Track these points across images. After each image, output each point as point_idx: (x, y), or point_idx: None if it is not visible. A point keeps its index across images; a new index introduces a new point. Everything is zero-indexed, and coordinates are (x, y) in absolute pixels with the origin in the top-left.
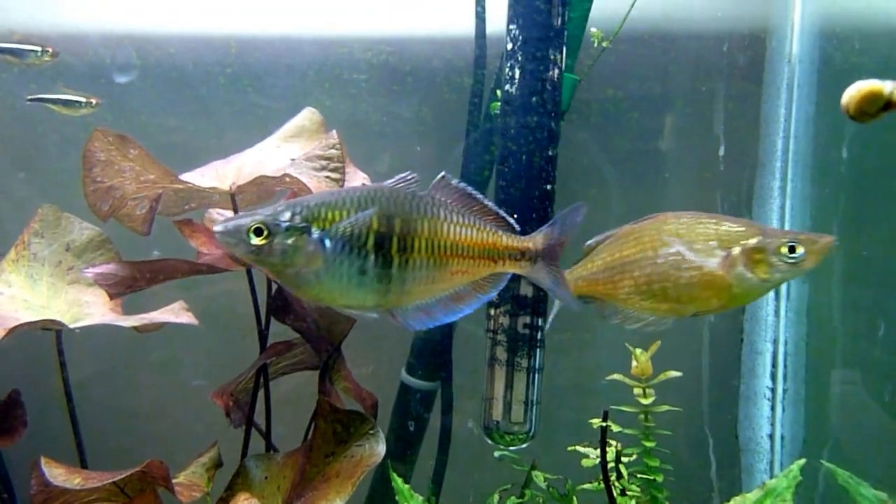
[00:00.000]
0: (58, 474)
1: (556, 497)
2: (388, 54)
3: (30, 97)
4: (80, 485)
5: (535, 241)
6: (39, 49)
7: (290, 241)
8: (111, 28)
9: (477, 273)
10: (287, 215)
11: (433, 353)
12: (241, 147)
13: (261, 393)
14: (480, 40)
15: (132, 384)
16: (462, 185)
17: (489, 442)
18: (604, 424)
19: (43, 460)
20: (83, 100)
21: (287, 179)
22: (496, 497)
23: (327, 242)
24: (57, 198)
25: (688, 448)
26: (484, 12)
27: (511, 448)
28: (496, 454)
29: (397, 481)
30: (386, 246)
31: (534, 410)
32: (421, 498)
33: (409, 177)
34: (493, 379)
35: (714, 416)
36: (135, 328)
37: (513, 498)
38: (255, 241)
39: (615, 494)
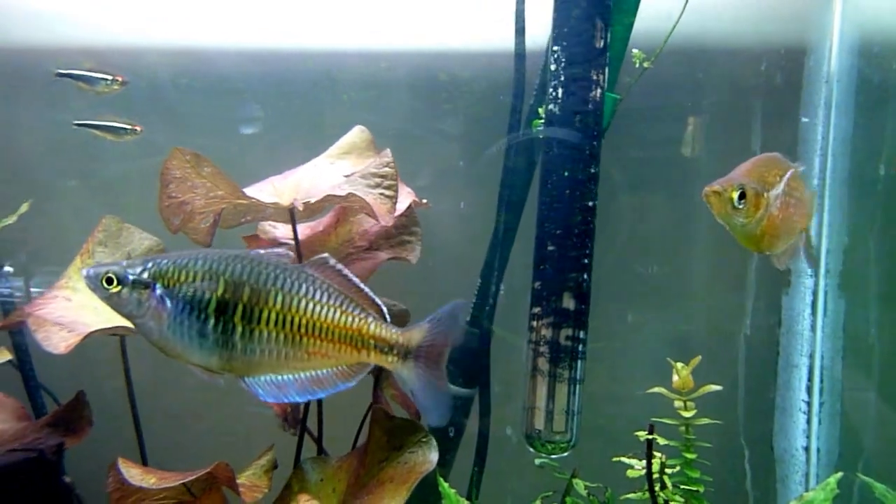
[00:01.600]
0: (135, 474)
1: None
2: (429, 69)
3: (76, 122)
4: (155, 484)
5: (410, 335)
6: (110, 78)
7: (134, 294)
8: (155, 43)
9: (340, 359)
10: (138, 269)
11: (471, 360)
12: (289, 161)
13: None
14: (520, 57)
15: (178, 386)
16: (339, 266)
17: (531, 450)
18: (650, 437)
19: (120, 461)
20: (128, 127)
21: (351, 198)
22: (538, 503)
23: (168, 301)
24: (112, 207)
25: (723, 458)
26: (524, 29)
27: (552, 456)
28: (537, 462)
29: (444, 486)
30: (229, 312)
31: (575, 420)
32: (467, 502)
33: (282, 252)
34: (535, 389)
35: (750, 427)
36: None
37: None
38: (109, 289)
39: None
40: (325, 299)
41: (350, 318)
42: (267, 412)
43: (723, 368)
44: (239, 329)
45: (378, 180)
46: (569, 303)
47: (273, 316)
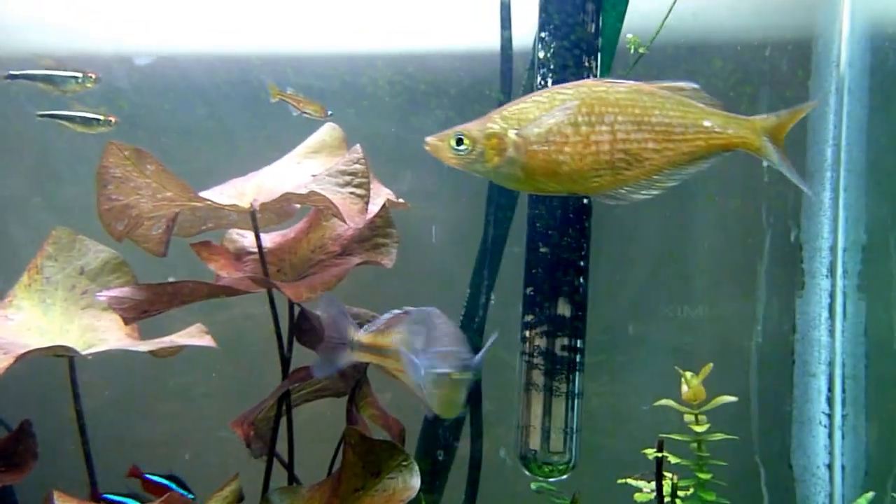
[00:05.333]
0: None
1: None
2: (411, 70)
3: (41, 113)
4: None
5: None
6: (80, 75)
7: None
8: (124, 49)
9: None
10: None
11: None
12: (261, 165)
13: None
14: (507, 51)
15: (148, 412)
16: None
17: (526, 472)
18: (659, 455)
19: (56, 494)
20: (101, 117)
21: (313, 197)
22: None
23: None
24: (70, 219)
25: (737, 478)
26: (510, 23)
27: (550, 479)
28: (533, 486)
29: None
30: None
31: (574, 439)
32: None
33: None
34: (529, 405)
35: (765, 443)
36: (151, 353)
37: None
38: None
39: None
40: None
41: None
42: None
43: (733, 380)
44: None
45: (348, 178)
46: (564, 309)
47: None
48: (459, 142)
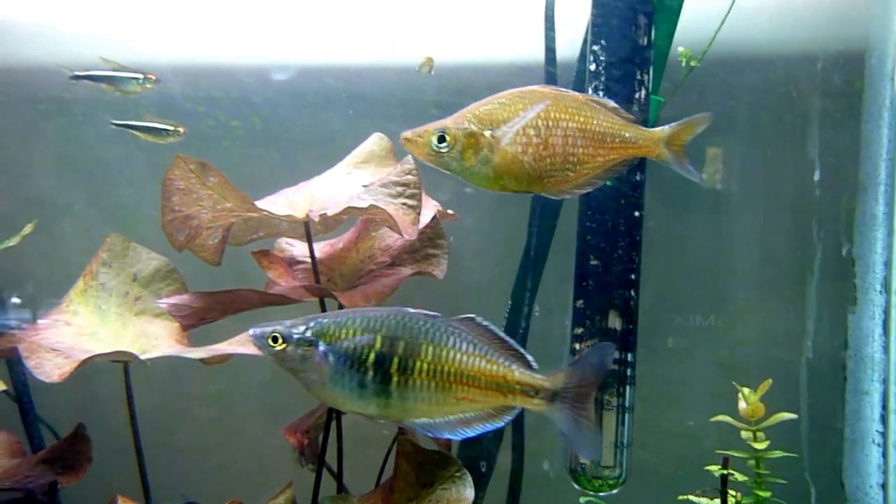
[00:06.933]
0: None
1: None
2: (455, 81)
3: (115, 122)
4: None
5: (554, 379)
6: (141, 76)
7: (300, 351)
8: (177, 60)
9: (487, 403)
10: (301, 329)
11: None
12: (308, 175)
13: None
14: (551, 62)
15: (188, 417)
16: (485, 322)
17: (575, 486)
18: (725, 472)
19: (120, 499)
20: (170, 128)
21: (373, 210)
22: None
23: (331, 356)
24: (122, 226)
25: (787, 496)
26: (553, 33)
27: (600, 494)
28: (582, 501)
29: None
30: (386, 365)
31: (625, 453)
32: None
33: (431, 313)
34: None
35: (815, 460)
36: (202, 360)
37: None
38: (274, 346)
39: None
40: (471, 349)
41: (495, 367)
42: (278, 444)
43: (782, 396)
44: (395, 380)
45: (400, 189)
46: (615, 322)
47: (425, 367)
48: (441, 139)
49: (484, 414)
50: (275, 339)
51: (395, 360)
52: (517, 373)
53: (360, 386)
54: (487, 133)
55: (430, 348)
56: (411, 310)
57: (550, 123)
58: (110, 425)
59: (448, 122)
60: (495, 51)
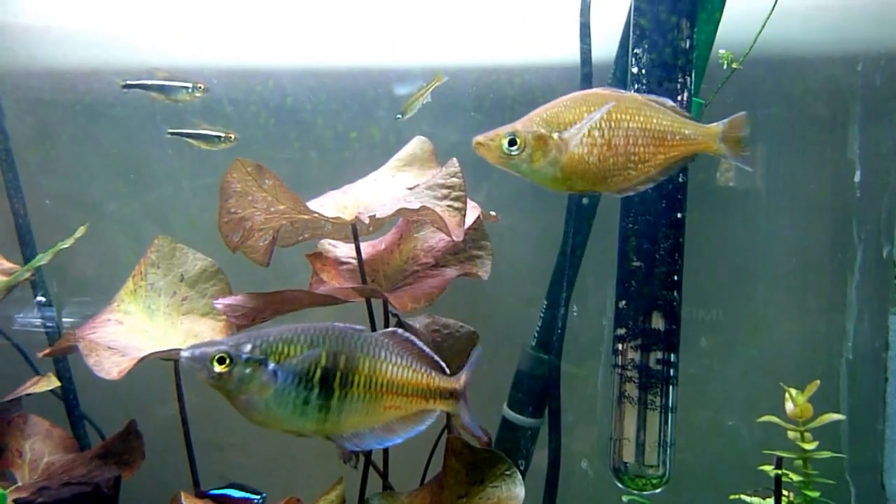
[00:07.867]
0: None
1: None
2: (493, 83)
3: (171, 131)
4: None
5: (460, 381)
6: (191, 85)
7: (248, 371)
8: (219, 64)
9: (411, 409)
10: (248, 347)
11: (540, 387)
12: (351, 177)
13: None
14: (586, 64)
15: (231, 415)
16: (405, 334)
17: (619, 486)
18: (779, 472)
19: (184, 495)
20: (222, 135)
21: (423, 211)
22: None
23: (279, 375)
24: (162, 228)
25: (827, 496)
26: (589, 33)
27: (644, 493)
28: (625, 499)
29: None
30: (330, 380)
31: (668, 452)
32: None
33: (359, 327)
34: (622, 418)
35: (856, 462)
36: None
37: None
38: (218, 368)
39: None
40: (400, 361)
41: (420, 375)
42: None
43: (822, 397)
44: (336, 394)
45: (445, 191)
46: (658, 323)
47: (362, 380)
48: (512, 142)
49: (405, 420)
50: (221, 361)
51: (338, 375)
52: (438, 379)
53: (304, 403)
54: (555, 135)
55: (367, 361)
56: (340, 324)
57: (613, 124)
58: (150, 422)
59: (518, 125)
60: (530, 53)
